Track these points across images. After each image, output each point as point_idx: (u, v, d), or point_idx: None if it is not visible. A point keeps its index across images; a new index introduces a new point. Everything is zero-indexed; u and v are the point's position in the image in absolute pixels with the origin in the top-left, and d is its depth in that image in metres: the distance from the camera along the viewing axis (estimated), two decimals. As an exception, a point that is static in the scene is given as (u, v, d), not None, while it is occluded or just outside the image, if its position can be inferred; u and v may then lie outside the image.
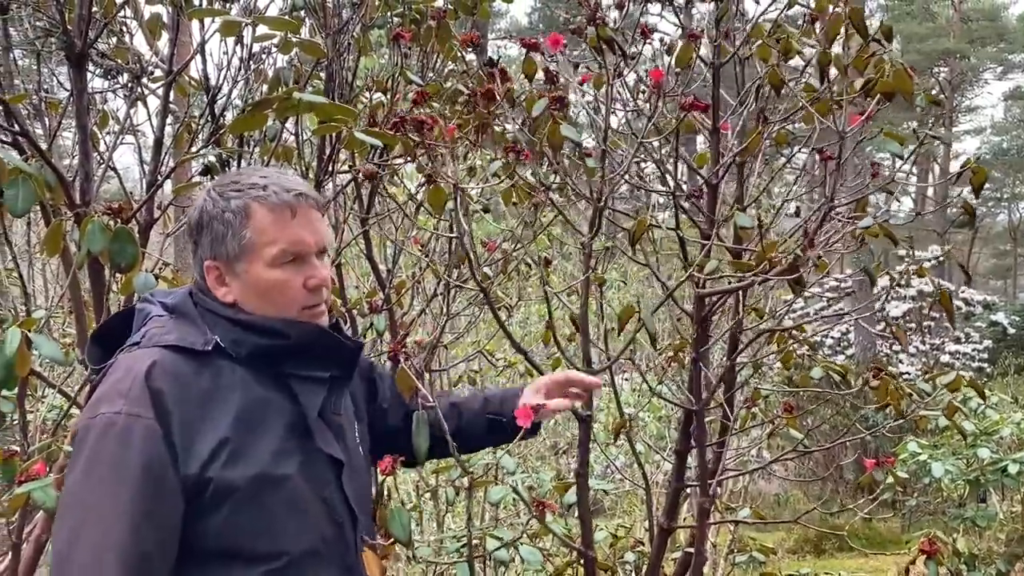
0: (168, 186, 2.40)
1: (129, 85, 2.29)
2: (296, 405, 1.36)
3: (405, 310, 3.10)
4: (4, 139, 2.14)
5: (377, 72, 2.95)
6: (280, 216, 1.35)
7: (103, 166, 2.31)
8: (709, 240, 2.09)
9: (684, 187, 2.13)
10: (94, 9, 2.11)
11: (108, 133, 2.57)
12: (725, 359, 2.45)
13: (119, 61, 2.33)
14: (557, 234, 3.66)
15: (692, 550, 2.67)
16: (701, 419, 2.12)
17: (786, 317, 2.42)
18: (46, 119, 2.52)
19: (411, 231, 3.08)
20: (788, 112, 2.08)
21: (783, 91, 2.00)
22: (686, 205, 2.15)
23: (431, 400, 1.72)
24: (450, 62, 2.94)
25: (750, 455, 4.16)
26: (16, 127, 1.92)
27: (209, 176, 2.08)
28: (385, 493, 2.69)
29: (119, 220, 1.60)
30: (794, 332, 2.49)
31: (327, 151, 2.59)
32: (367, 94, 2.72)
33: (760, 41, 2.05)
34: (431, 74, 2.88)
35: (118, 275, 1.91)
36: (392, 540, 1.68)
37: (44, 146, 2.13)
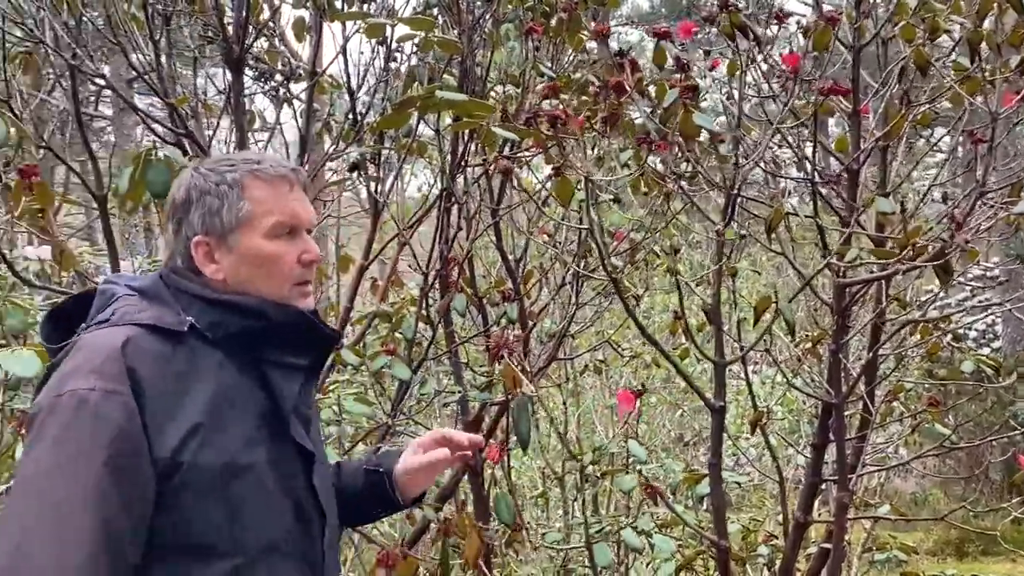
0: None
1: (278, 87, 2.42)
2: (269, 393, 1.30)
3: (533, 300, 3.16)
4: (168, 139, 2.32)
5: (507, 65, 3.01)
6: (277, 188, 1.32)
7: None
8: (848, 227, 2.03)
9: (822, 173, 2.08)
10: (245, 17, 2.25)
11: (253, 131, 2.73)
12: (864, 351, 2.38)
13: (270, 64, 2.47)
14: (683, 223, 3.62)
15: (828, 546, 2.61)
16: (841, 412, 2.07)
17: (931, 307, 2.32)
18: (202, 120, 2.71)
19: (539, 222, 3.12)
20: (934, 93, 1.99)
21: (928, 71, 1.92)
22: (824, 191, 2.09)
23: (535, 392, 1.73)
24: (577, 53, 2.96)
25: (887, 451, 4.00)
26: (181, 128, 2.07)
27: (357, 172, 2.18)
28: (491, 480, 2.77)
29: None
30: (939, 324, 2.39)
31: (460, 145, 2.67)
32: (499, 88, 2.78)
33: (904, 21, 1.97)
34: (558, 67, 2.91)
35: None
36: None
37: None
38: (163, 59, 2.28)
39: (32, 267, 3.50)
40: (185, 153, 2.23)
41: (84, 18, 2.26)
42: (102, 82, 2.20)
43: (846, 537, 3.79)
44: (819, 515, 3.18)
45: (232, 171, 1.31)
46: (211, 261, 1.31)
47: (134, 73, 2.88)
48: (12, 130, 1.94)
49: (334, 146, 2.54)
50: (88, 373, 1.16)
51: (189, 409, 1.21)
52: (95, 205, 2.54)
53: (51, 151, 2.40)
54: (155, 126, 2.37)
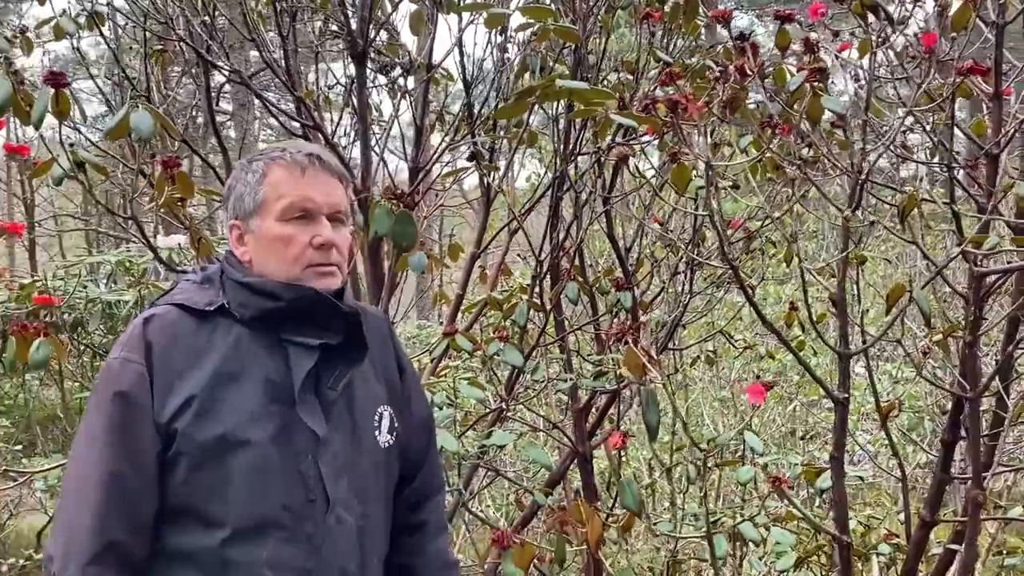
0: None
1: (396, 79, 2.48)
2: (289, 371, 1.35)
3: (644, 289, 3.13)
4: (294, 132, 2.42)
5: (620, 53, 2.99)
6: (291, 173, 1.38)
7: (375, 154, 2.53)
8: (986, 214, 1.93)
9: (959, 157, 1.98)
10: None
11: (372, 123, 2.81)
12: (993, 345, 2.26)
13: (390, 57, 2.54)
14: (798, 211, 3.52)
15: (955, 546, 2.50)
16: (976, 407, 1.97)
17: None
18: (324, 113, 2.80)
19: (651, 209, 3.09)
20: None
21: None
22: (960, 177, 2.00)
23: (661, 379, 1.74)
24: (690, 39, 2.92)
25: (1017, 452, 3.79)
26: (309, 121, 2.15)
27: (475, 162, 2.21)
28: (614, 468, 2.76)
29: (401, 204, 1.75)
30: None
31: (572, 133, 2.67)
32: (612, 75, 2.76)
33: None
34: (672, 53, 2.87)
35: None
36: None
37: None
38: (290, 54, 2.37)
39: (163, 255, 3.71)
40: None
41: (217, 15, 2.37)
42: (235, 77, 2.30)
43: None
44: (944, 515, 3.05)
45: (259, 160, 1.42)
46: (241, 243, 1.42)
47: (253, 69, 3.00)
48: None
49: (449, 137, 2.59)
50: (119, 345, 1.34)
51: (191, 382, 1.31)
52: (216, 196, 2.67)
53: (187, 144, 2.54)
54: (286, 120, 2.47)
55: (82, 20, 2.44)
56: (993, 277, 1.94)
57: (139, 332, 1.33)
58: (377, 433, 1.45)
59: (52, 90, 1.71)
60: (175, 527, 1.31)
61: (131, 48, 3.59)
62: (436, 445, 1.64)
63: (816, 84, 1.82)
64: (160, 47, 2.58)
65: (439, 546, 1.59)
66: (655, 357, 1.60)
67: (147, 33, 2.43)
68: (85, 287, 4.91)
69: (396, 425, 1.49)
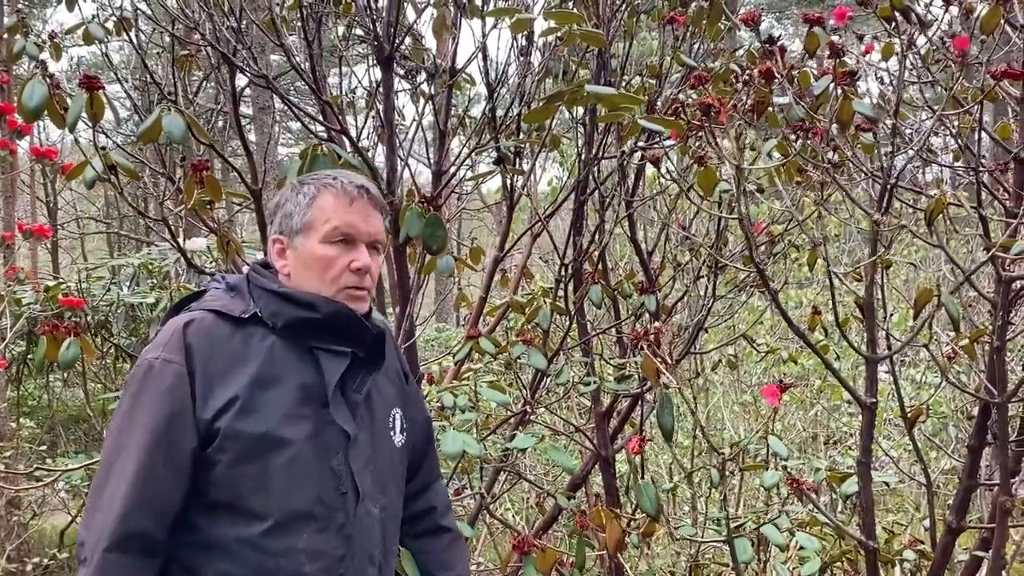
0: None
1: (421, 84, 2.49)
2: (319, 376, 1.46)
3: (666, 293, 3.13)
4: (319, 135, 2.43)
5: (643, 56, 2.99)
6: (340, 201, 1.49)
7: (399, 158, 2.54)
8: (1015, 219, 1.92)
9: (986, 162, 1.97)
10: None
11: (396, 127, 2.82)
12: (1017, 351, 2.24)
13: (416, 61, 2.55)
14: (823, 214, 3.50)
15: (981, 553, 2.48)
16: (1004, 412, 1.96)
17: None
18: (349, 117, 2.82)
19: (674, 213, 3.09)
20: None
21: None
22: (987, 181, 1.99)
23: (675, 384, 1.76)
24: (712, 43, 2.91)
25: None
26: (336, 125, 2.16)
27: (502, 166, 2.22)
28: (635, 472, 2.76)
29: (431, 208, 1.76)
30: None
31: (595, 137, 2.67)
32: (635, 80, 2.76)
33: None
34: (694, 57, 2.87)
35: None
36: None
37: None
38: (315, 60, 2.39)
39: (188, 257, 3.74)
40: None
41: (244, 21, 2.39)
42: (261, 81, 2.32)
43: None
44: (971, 522, 3.01)
45: (312, 184, 1.52)
46: (282, 257, 1.53)
47: (274, 73, 3.02)
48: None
49: (473, 141, 2.59)
50: (157, 346, 1.43)
51: (232, 384, 1.40)
52: (237, 199, 2.70)
53: (213, 148, 2.55)
54: (311, 123, 2.49)
55: (110, 26, 2.47)
56: (1021, 282, 1.93)
57: (179, 335, 1.41)
58: (392, 433, 1.59)
59: (87, 94, 1.73)
60: (213, 519, 1.40)
61: (157, 54, 3.62)
62: (434, 438, 1.83)
63: (847, 87, 1.82)
64: (186, 52, 2.60)
65: (447, 524, 1.77)
66: (670, 362, 1.60)
67: (173, 37, 2.45)
68: (109, 289, 4.96)
69: (405, 425, 1.63)
